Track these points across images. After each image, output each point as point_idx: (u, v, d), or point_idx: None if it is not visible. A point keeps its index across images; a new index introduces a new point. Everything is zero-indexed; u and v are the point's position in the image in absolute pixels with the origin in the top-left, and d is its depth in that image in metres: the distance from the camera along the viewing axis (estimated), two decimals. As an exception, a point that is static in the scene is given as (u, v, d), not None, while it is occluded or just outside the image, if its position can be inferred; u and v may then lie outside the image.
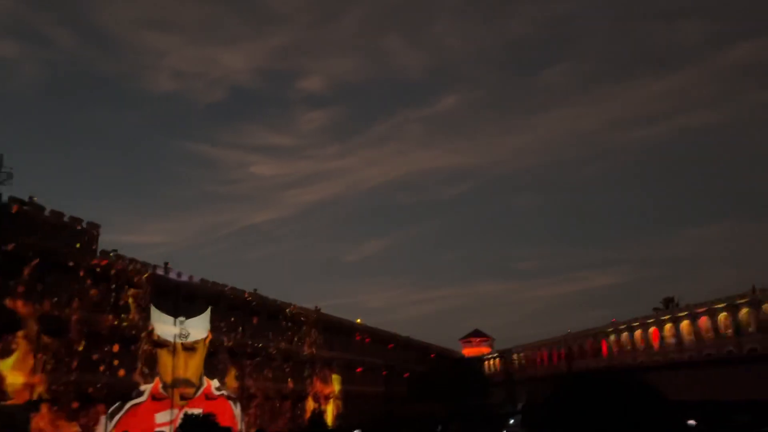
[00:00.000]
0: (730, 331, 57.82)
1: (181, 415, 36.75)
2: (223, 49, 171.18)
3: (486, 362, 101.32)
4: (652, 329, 68.11)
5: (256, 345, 50.25)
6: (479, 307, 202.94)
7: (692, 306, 63.39)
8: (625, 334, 72.32)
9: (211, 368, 44.84)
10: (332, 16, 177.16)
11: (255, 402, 48.95)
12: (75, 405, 33.66)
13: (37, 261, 32.31)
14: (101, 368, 35.76)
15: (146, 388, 38.60)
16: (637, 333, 70.15)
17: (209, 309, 45.41)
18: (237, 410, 46.50)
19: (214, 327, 45.64)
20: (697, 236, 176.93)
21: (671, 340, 64.98)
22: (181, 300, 42.68)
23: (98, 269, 36.51)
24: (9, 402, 29.79)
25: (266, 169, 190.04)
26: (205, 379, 43.95)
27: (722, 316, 58.96)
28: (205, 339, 44.45)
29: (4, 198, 32.12)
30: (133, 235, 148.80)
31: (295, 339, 56.48)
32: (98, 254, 37.14)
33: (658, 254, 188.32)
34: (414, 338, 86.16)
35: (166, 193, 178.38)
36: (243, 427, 45.03)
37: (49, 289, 33.13)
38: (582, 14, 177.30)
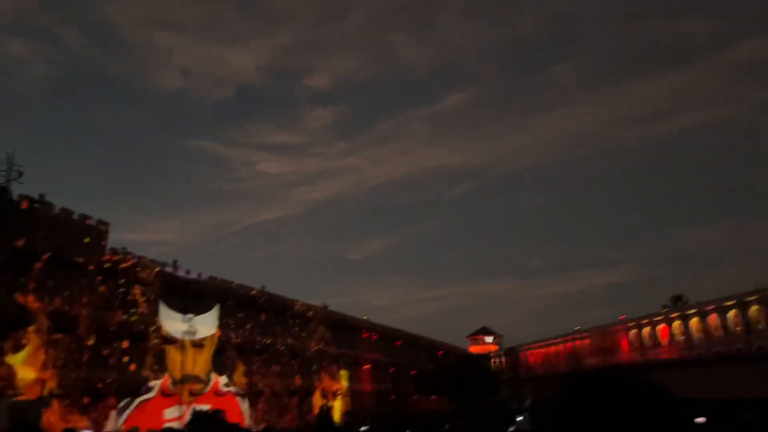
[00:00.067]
0: (739, 328, 57.54)
1: (190, 411, 36.97)
2: (230, 48, 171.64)
3: (493, 359, 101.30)
4: (661, 326, 67.88)
5: (263, 342, 50.48)
6: (483, 305, 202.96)
7: (702, 303, 63.11)
8: (633, 332, 72.11)
9: (219, 365, 45.10)
10: (338, 14, 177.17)
11: (263, 398, 49.18)
12: (85, 400, 34.00)
13: (47, 257, 32.61)
14: (111, 364, 36.07)
15: (155, 384, 38.91)
16: (646, 330, 69.95)
17: (217, 306, 45.66)
18: (245, 406, 46.76)
19: (222, 324, 45.90)
20: (700, 235, 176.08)
21: (680, 338, 64.74)
22: (190, 297, 42.94)
23: (108, 266, 36.81)
24: (20, 398, 30.13)
25: (272, 168, 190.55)
26: (214, 376, 44.22)
27: (732, 314, 58.69)
28: (213, 336, 44.72)
29: (15, 195, 32.47)
30: (141, 232, 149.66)
31: (303, 336, 56.67)
32: (107, 251, 37.45)
33: (661, 253, 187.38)
34: (422, 335, 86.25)
35: (173, 191, 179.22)
36: (251, 424, 45.23)
37: (59, 285, 33.46)
38: (585, 13, 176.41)
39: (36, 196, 33.73)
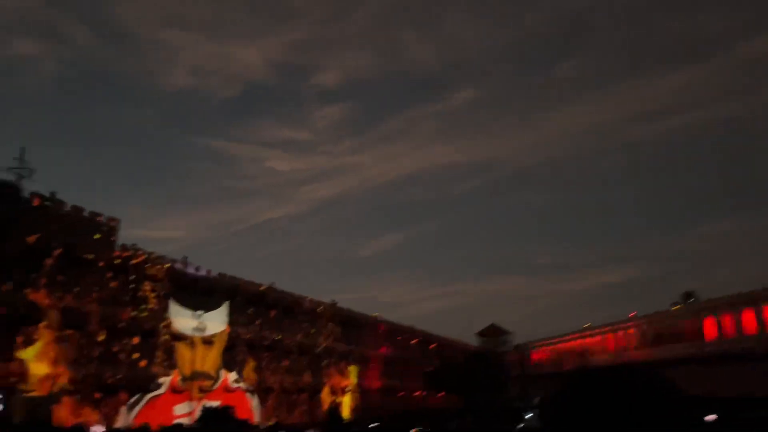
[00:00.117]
0: (753, 326, 57.03)
1: (200, 408, 37.11)
2: (239, 45, 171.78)
3: (502, 356, 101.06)
4: (671, 323, 67.42)
5: (273, 338, 50.63)
6: (494, 302, 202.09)
7: (714, 301, 62.60)
8: (645, 329, 71.65)
9: (229, 361, 45.29)
10: (346, 11, 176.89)
11: (272, 394, 49.36)
12: (96, 396, 34.27)
13: (58, 254, 32.86)
14: (121, 360, 36.32)
15: (165, 380, 39.13)
16: (656, 328, 69.49)
17: (227, 303, 45.82)
18: (254, 403, 46.93)
19: (232, 320, 46.07)
20: (715, 231, 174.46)
21: (693, 335, 64.25)
22: (199, 294, 43.13)
23: (118, 262, 37.04)
24: (32, 393, 30.41)
25: (281, 165, 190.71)
26: (223, 372, 44.41)
27: (746, 311, 58.17)
28: (223, 332, 44.89)
29: (26, 193, 32.77)
30: (150, 229, 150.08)
31: (312, 332, 56.78)
32: (117, 248, 37.68)
33: (674, 249, 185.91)
34: (431, 332, 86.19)
35: (182, 188, 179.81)
36: (260, 420, 45.37)
37: (69, 281, 33.73)
38: (598, 7, 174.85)
39: (47, 194, 34.05)
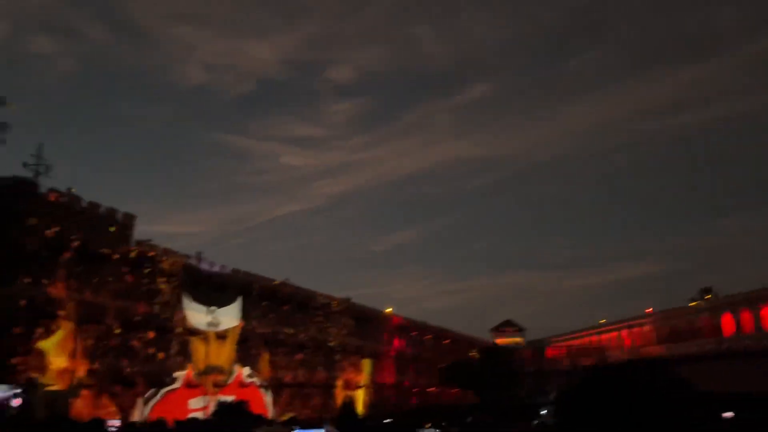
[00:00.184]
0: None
1: (214, 402, 37.42)
2: (252, 41, 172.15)
3: (517, 352, 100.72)
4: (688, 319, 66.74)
5: (286, 333, 50.80)
6: (509, 297, 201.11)
7: (732, 297, 61.83)
8: (658, 325, 71.01)
9: (243, 356, 45.55)
10: (359, 6, 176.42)
11: (286, 390, 49.57)
12: (112, 390, 34.64)
13: (75, 249, 33.24)
14: (137, 355, 36.67)
15: (180, 375, 39.46)
16: (673, 323, 68.81)
17: (240, 298, 46.04)
18: (268, 398, 47.18)
19: (245, 316, 46.30)
20: (732, 226, 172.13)
21: (711, 331, 63.53)
22: (213, 289, 43.37)
23: (133, 257, 37.37)
24: (51, 387, 30.82)
25: (295, 160, 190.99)
26: (237, 367, 44.68)
27: (765, 308, 57.43)
28: (236, 328, 45.14)
29: (43, 189, 33.15)
30: (165, 225, 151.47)
31: (326, 327, 56.91)
32: (133, 243, 38.03)
33: (692, 245, 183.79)
34: (445, 327, 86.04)
35: (197, 184, 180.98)
36: (274, 415, 45.63)
37: (86, 276, 34.12)
38: (609, 3, 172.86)
39: (64, 190, 34.43)
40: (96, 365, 33.64)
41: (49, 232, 31.92)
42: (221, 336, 43.46)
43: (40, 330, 31.11)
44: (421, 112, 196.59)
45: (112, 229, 36.42)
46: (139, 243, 38.45)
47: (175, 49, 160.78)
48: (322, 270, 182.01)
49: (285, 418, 46.38)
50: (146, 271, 38.26)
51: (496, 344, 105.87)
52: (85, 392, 32.92)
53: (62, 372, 31.90)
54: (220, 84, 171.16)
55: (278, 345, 49.75)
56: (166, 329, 38.96)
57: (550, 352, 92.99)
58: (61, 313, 32.25)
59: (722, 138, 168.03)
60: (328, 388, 55.36)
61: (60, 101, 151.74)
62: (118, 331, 35.53)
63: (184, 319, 40.50)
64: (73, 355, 32.65)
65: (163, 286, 39.35)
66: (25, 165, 32.34)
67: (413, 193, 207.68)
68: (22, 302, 30.10)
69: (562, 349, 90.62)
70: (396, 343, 70.05)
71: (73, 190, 35.00)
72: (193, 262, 42.53)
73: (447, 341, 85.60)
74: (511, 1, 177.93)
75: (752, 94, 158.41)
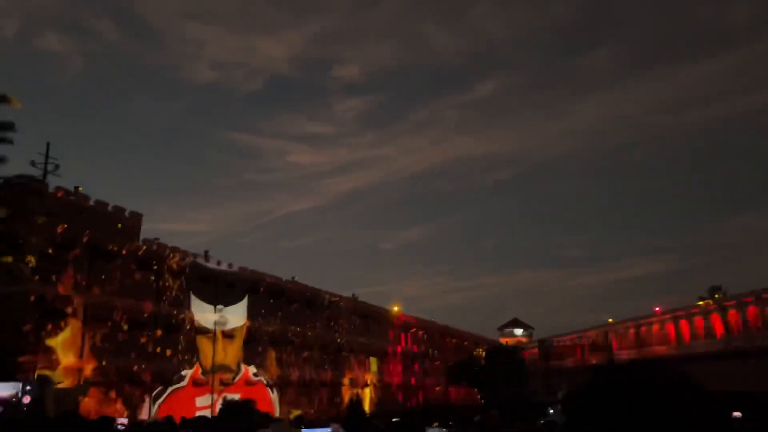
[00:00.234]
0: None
1: (221, 400, 37.46)
2: (262, 39, 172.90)
3: (524, 351, 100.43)
4: (696, 319, 66.21)
5: (293, 332, 50.88)
6: (519, 295, 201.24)
7: (741, 296, 61.30)
8: (669, 324, 70.49)
9: (249, 355, 45.64)
10: (369, 3, 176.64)
11: (292, 388, 49.64)
12: (121, 388, 34.79)
13: (84, 246, 33.41)
14: (145, 353, 36.82)
15: (187, 373, 39.59)
16: (683, 323, 68.31)
17: (247, 296, 46.13)
18: (274, 396, 47.25)
19: (252, 314, 46.38)
20: (747, 223, 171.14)
21: (717, 331, 63.05)
22: (220, 288, 43.48)
23: (141, 256, 37.52)
24: (60, 385, 30.98)
25: (304, 158, 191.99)
26: (243, 366, 44.78)
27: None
28: (243, 326, 45.22)
29: (51, 187, 33.30)
30: (174, 223, 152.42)
31: (332, 326, 56.95)
32: (141, 242, 38.17)
33: (706, 242, 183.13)
34: (452, 326, 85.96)
35: (206, 181, 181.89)
36: (281, 413, 45.68)
37: (94, 274, 34.29)
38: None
39: (71, 188, 34.60)
40: (104, 363, 33.79)
41: (57, 231, 32.10)
42: (228, 335, 43.56)
43: (48, 327, 31.32)
44: (431, 109, 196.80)
45: (120, 228, 36.58)
46: (147, 241, 38.61)
47: (184, 47, 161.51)
48: (330, 268, 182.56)
49: (292, 416, 46.42)
50: (153, 269, 38.43)
51: (502, 343, 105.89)
52: (92, 390, 33.08)
53: (70, 370, 32.08)
54: (230, 82, 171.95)
55: (285, 343, 49.83)
56: (173, 327, 39.10)
57: (558, 351, 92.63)
58: (69, 310, 32.44)
59: (735, 135, 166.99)
60: (335, 386, 55.40)
61: (69, 99, 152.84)
62: (126, 330, 35.69)
63: (191, 317, 40.63)
64: (80, 353, 32.83)
65: (170, 285, 39.51)
66: (33, 163, 32.51)
67: (422, 191, 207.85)
68: (31, 299, 30.31)
69: (570, 348, 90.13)
70: (403, 341, 70.02)
71: (80, 189, 35.19)
72: (200, 260, 42.65)
73: (454, 340, 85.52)
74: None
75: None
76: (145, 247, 38.18)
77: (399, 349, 68.54)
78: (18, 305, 29.84)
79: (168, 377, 38.07)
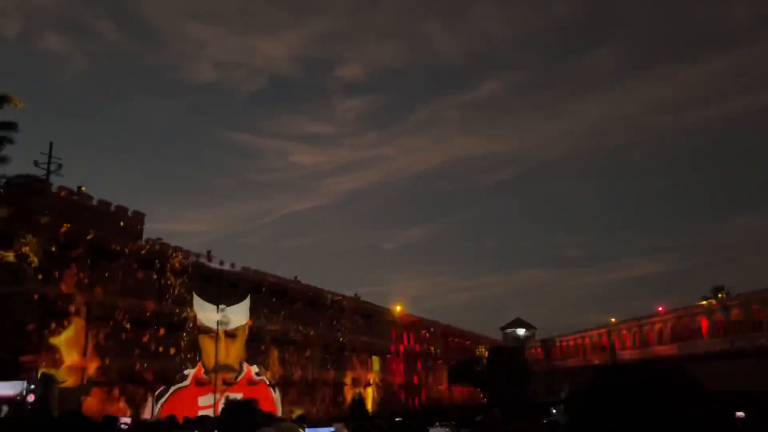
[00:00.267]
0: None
1: (223, 400, 37.50)
2: (262, 39, 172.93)
3: (527, 351, 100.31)
4: (699, 318, 66.11)
5: (295, 331, 50.90)
6: (521, 295, 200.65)
7: (744, 295, 61.20)
8: (670, 324, 70.40)
9: (252, 354, 45.68)
10: (370, 3, 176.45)
11: (294, 387, 49.67)
12: (124, 387, 34.85)
13: (86, 246, 33.49)
14: (148, 352, 36.88)
15: (190, 372, 39.64)
16: (685, 322, 68.22)
17: (249, 296, 46.17)
18: (276, 395, 47.29)
19: (255, 314, 46.42)
20: (747, 223, 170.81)
21: (719, 330, 62.95)
22: (223, 287, 43.52)
23: (143, 255, 37.59)
24: (63, 385, 31.04)
25: (306, 158, 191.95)
26: (246, 365, 44.82)
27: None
28: (245, 326, 45.25)
29: (54, 187, 33.39)
30: (176, 223, 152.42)
31: (335, 325, 56.98)
32: (143, 242, 38.25)
33: (706, 242, 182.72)
34: (454, 326, 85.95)
35: (208, 181, 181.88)
36: (283, 413, 45.72)
37: (97, 274, 34.38)
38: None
39: (74, 188, 34.70)
40: (107, 362, 33.86)
41: (59, 230, 32.17)
42: (231, 334, 43.60)
43: (51, 326, 31.40)
44: (430, 110, 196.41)
45: (123, 228, 36.66)
46: (149, 241, 38.70)
47: (184, 47, 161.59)
48: (333, 267, 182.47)
49: (294, 416, 46.42)
50: (156, 269, 38.49)
51: (505, 342, 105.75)
52: (95, 389, 33.14)
53: (73, 369, 32.15)
54: (231, 82, 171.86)
55: (287, 343, 49.86)
56: (176, 327, 39.16)
57: (560, 351, 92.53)
58: (72, 310, 32.51)
59: (735, 135, 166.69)
60: (338, 385, 55.42)
61: (71, 99, 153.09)
62: (129, 330, 35.76)
63: (194, 316, 40.68)
64: (84, 352, 32.90)
65: (172, 285, 39.57)
66: (36, 163, 32.58)
67: (424, 191, 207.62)
68: (34, 298, 30.39)
69: (572, 348, 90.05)
70: (405, 340, 70.02)
71: (83, 188, 35.27)
72: (202, 260, 42.71)
73: (456, 339, 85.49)
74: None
75: None
76: (147, 247, 38.26)
77: (401, 348, 68.54)
78: (21, 304, 29.92)
79: (171, 376, 38.13)
